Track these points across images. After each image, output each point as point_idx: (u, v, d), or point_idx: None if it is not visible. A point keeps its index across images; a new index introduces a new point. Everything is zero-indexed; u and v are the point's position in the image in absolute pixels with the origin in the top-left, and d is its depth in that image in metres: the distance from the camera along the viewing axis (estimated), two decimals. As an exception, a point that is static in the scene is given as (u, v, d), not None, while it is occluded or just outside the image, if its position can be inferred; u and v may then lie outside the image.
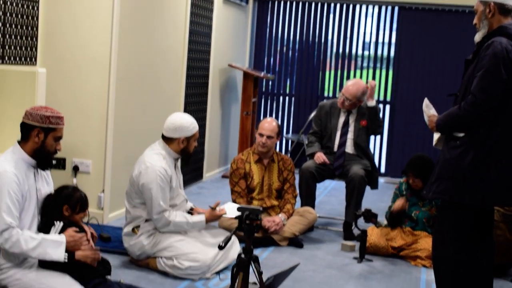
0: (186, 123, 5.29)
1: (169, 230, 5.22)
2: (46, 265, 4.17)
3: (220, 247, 3.64)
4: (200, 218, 5.37)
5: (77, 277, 4.19)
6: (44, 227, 4.21)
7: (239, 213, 5.32)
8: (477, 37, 4.22)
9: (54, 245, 4.11)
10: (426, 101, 4.53)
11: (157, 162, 5.18)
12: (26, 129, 4.20)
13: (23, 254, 4.09)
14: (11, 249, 4.04)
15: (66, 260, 4.11)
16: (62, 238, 4.15)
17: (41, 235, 4.14)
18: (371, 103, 6.76)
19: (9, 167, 4.08)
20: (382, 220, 6.21)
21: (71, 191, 4.35)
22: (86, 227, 4.45)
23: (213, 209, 5.46)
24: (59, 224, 4.22)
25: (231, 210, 5.55)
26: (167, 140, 5.30)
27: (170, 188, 5.25)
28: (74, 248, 4.17)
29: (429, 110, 4.48)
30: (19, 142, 4.23)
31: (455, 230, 4.23)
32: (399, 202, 6.02)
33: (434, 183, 4.28)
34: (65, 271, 4.18)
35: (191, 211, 5.55)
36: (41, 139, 4.18)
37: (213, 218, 5.47)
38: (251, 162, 6.31)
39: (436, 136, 4.44)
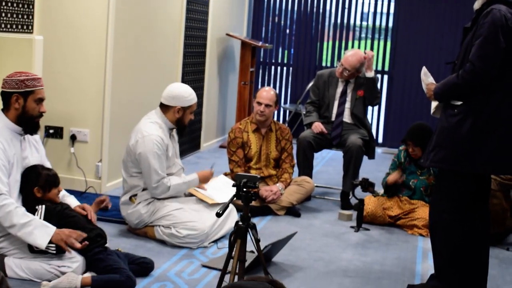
0: (184, 92, 5.28)
1: (167, 195, 5.23)
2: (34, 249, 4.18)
3: (218, 214, 3.64)
4: (193, 176, 5.44)
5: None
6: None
7: (227, 195, 5.36)
8: (476, 5, 4.18)
9: (42, 231, 4.07)
10: (424, 70, 4.51)
11: (153, 131, 5.18)
12: (6, 97, 4.20)
13: (8, 227, 4.05)
14: (1, 217, 4.01)
15: (45, 248, 4.09)
16: (52, 228, 4.11)
17: (35, 216, 4.14)
18: (370, 74, 6.75)
19: None
20: (379, 189, 6.23)
21: (37, 171, 4.31)
22: (86, 208, 4.45)
23: None
24: (41, 208, 4.22)
25: (221, 185, 5.60)
26: (164, 108, 5.30)
27: (167, 157, 5.25)
28: (58, 242, 4.12)
29: (427, 79, 4.46)
30: (2, 111, 4.23)
31: (452, 199, 4.23)
32: (394, 176, 6.02)
33: (432, 151, 4.27)
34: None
35: None
36: (21, 104, 4.18)
37: (205, 176, 5.54)
38: (249, 131, 6.31)
39: (434, 104, 4.43)
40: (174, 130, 5.43)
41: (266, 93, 6.26)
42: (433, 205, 4.43)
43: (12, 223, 4.03)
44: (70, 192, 4.79)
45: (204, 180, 5.54)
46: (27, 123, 4.23)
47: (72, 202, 4.52)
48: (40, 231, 4.06)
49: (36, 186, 4.26)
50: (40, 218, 4.16)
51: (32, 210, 4.18)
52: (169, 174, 5.30)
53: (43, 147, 4.53)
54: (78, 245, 4.12)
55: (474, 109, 4.08)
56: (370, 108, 7.28)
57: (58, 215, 4.25)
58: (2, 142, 4.11)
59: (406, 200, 6.03)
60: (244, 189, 3.70)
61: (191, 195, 5.49)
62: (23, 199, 4.26)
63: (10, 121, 4.19)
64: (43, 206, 4.22)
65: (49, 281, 4.04)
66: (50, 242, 4.07)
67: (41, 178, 4.29)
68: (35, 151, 4.40)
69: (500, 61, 4.01)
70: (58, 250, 4.11)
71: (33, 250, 4.15)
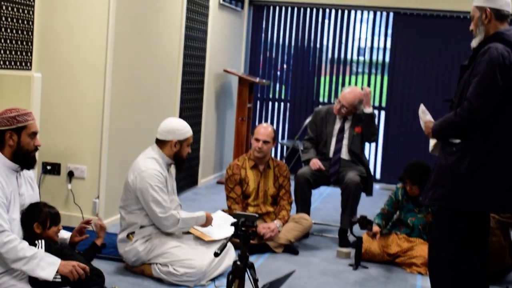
0: (179, 126, 5.29)
1: (177, 229, 5.20)
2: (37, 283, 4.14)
3: (216, 254, 3.62)
4: (201, 213, 5.41)
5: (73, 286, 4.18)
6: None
7: (224, 231, 5.33)
8: (474, 43, 4.22)
9: (48, 261, 4.07)
10: (422, 107, 4.52)
11: (151, 165, 5.18)
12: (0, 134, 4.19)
13: (13, 262, 4.04)
14: (5, 254, 4.00)
15: (52, 280, 4.07)
16: (58, 259, 4.11)
17: (39, 249, 4.13)
18: (368, 110, 6.76)
19: None
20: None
21: (39, 208, 4.31)
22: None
23: None
24: (41, 243, 4.20)
25: (220, 220, 5.58)
26: (160, 143, 5.30)
27: (167, 191, 5.25)
28: (64, 272, 4.10)
29: (425, 116, 4.47)
30: None
31: (451, 236, 4.23)
32: (375, 228, 5.97)
33: (431, 189, 4.27)
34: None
35: None
36: (15, 141, 4.18)
37: (211, 219, 5.49)
38: (246, 168, 6.30)
39: (432, 142, 4.44)
40: (172, 166, 5.42)
41: (264, 130, 6.25)
42: (432, 243, 4.41)
43: (18, 257, 4.01)
44: (67, 228, 4.76)
45: (210, 220, 5.50)
46: (24, 158, 4.23)
47: (67, 236, 4.51)
48: (46, 262, 4.06)
49: (36, 222, 4.24)
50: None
51: (31, 245, 4.15)
52: (167, 210, 5.29)
53: (37, 186, 4.52)
54: (83, 275, 4.12)
55: (472, 147, 4.09)
56: (367, 144, 7.27)
57: (57, 253, 4.22)
58: (0, 179, 4.10)
59: (404, 238, 6.00)
60: (243, 228, 3.69)
61: (188, 232, 5.46)
62: (24, 234, 4.23)
63: (6, 158, 4.18)
64: (43, 240, 4.20)
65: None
66: (56, 273, 4.06)
67: (42, 215, 4.28)
68: (30, 188, 4.39)
69: (497, 99, 4.02)
70: (63, 279, 4.09)
71: (36, 284, 4.11)
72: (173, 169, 5.47)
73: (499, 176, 4.09)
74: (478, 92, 4.02)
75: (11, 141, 4.17)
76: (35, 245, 4.17)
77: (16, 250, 4.01)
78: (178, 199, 5.57)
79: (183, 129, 5.30)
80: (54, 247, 4.25)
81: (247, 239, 3.69)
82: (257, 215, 3.79)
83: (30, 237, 4.23)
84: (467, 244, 4.22)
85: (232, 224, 3.72)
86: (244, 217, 3.70)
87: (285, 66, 10.72)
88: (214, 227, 5.55)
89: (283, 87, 10.84)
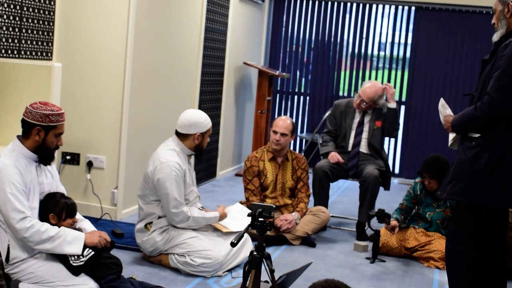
0: (200, 118, 5.30)
1: (185, 225, 5.22)
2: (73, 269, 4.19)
3: (233, 244, 3.63)
4: (214, 214, 5.40)
5: (90, 274, 4.21)
6: None
7: (242, 223, 5.33)
8: (495, 37, 4.18)
9: (73, 235, 4.15)
10: (442, 101, 4.50)
11: (171, 157, 5.19)
12: (27, 126, 4.21)
13: (39, 244, 4.09)
14: (30, 237, 4.05)
15: (82, 257, 4.12)
16: (81, 234, 4.19)
17: (62, 227, 4.18)
18: (392, 105, 6.74)
19: (9, 161, 4.11)
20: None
21: (56, 199, 4.32)
22: (96, 231, 4.45)
23: None
24: None
25: (238, 213, 5.59)
26: (181, 136, 5.30)
27: (184, 183, 5.26)
28: (92, 243, 4.19)
29: (444, 110, 4.45)
30: (19, 137, 4.25)
31: (469, 231, 4.20)
32: (393, 222, 5.95)
33: (449, 183, 4.25)
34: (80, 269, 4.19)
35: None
36: (41, 137, 4.19)
37: (225, 216, 5.50)
38: (265, 160, 6.30)
39: (451, 136, 4.41)
40: (192, 157, 5.43)
41: (283, 122, 6.25)
42: (449, 237, 4.39)
43: (42, 239, 4.07)
44: (86, 218, 4.78)
45: (224, 217, 5.51)
46: (44, 154, 4.25)
47: (87, 226, 4.52)
48: (72, 237, 4.14)
49: (52, 213, 4.26)
50: None
51: None
52: (186, 201, 5.30)
53: (57, 172, 4.54)
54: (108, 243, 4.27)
55: (491, 141, 4.06)
56: (387, 138, 7.24)
57: None
58: (19, 168, 4.13)
59: (422, 232, 5.99)
60: (259, 219, 3.69)
61: None
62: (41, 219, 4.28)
63: (26, 148, 4.21)
64: (62, 227, 4.22)
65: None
66: (84, 246, 4.15)
67: (58, 206, 4.29)
68: (50, 176, 4.41)
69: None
70: (95, 251, 4.17)
71: (74, 269, 4.15)
72: (192, 159, 5.48)
73: (518, 171, 4.06)
74: (499, 86, 3.99)
75: (37, 136, 4.19)
76: None
77: (40, 232, 4.06)
78: (197, 190, 5.59)
79: (205, 121, 5.31)
80: None
81: (263, 230, 3.69)
82: (274, 206, 3.77)
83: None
84: (485, 239, 4.20)
85: (249, 215, 3.72)
86: (261, 207, 3.70)
87: (305, 60, 10.70)
88: (231, 219, 5.56)
89: (303, 80, 10.83)
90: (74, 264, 4.13)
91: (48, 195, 4.34)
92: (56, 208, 4.27)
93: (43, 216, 4.26)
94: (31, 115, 4.17)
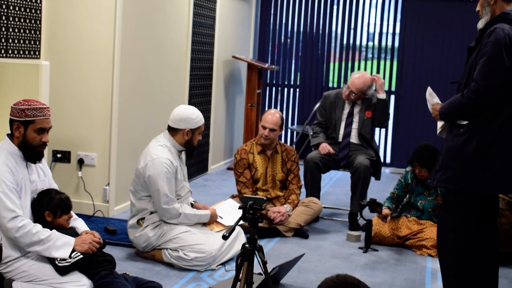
0: (192, 114, 5.30)
1: (176, 222, 5.23)
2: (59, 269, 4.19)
3: (224, 237, 3.64)
4: (206, 212, 5.41)
5: (83, 271, 4.21)
6: None
7: (234, 218, 5.34)
8: (480, 24, 4.19)
9: (63, 241, 4.14)
10: (429, 90, 4.51)
11: (162, 153, 5.20)
12: (10, 124, 4.23)
13: (28, 245, 4.10)
14: (20, 238, 4.06)
15: (69, 259, 4.12)
16: (72, 238, 4.18)
17: (53, 230, 4.17)
18: (382, 95, 6.76)
19: None
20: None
21: (50, 196, 4.31)
22: (87, 234, 4.44)
23: None
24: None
25: (230, 208, 5.60)
26: (172, 131, 5.31)
27: (176, 179, 5.26)
28: (81, 249, 4.16)
29: (432, 99, 4.46)
30: (8, 135, 4.26)
31: (459, 218, 4.22)
32: (385, 211, 5.98)
33: (438, 171, 4.27)
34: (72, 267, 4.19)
35: (191, 205, 5.57)
36: (21, 133, 4.20)
37: (215, 217, 5.52)
38: (254, 153, 6.31)
39: (439, 124, 4.42)
40: (183, 152, 5.44)
41: (271, 117, 6.25)
42: (440, 225, 4.41)
43: (32, 241, 4.07)
44: (78, 216, 4.78)
45: (214, 218, 5.52)
46: (28, 151, 4.24)
47: (81, 226, 4.52)
48: (62, 242, 4.12)
49: (47, 210, 4.27)
50: None
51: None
52: (177, 197, 5.30)
53: (49, 170, 4.54)
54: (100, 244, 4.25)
55: (479, 128, 4.07)
56: (376, 128, 7.26)
57: None
58: (9, 166, 4.14)
59: (414, 221, 6.01)
60: (251, 211, 3.70)
61: None
62: (34, 222, 4.27)
63: (15, 146, 4.22)
64: (54, 230, 4.22)
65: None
66: (73, 251, 4.13)
67: (53, 203, 4.28)
68: (42, 174, 4.41)
69: (504, 80, 4.01)
70: (83, 255, 4.15)
71: (60, 270, 4.15)
72: (183, 155, 5.50)
73: (506, 157, 4.08)
74: (484, 73, 4.00)
75: (17, 132, 4.20)
76: None
77: (30, 234, 4.06)
78: (189, 185, 5.60)
79: (196, 117, 5.32)
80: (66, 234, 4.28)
81: (255, 222, 3.70)
82: (265, 198, 3.79)
83: (40, 222, 4.26)
84: (476, 226, 4.21)
85: (240, 207, 3.73)
86: (252, 200, 3.72)
87: (294, 52, 10.71)
88: (224, 214, 5.57)
89: (292, 72, 10.83)
90: (59, 265, 4.13)
91: (42, 192, 4.33)
92: (51, 205, 4.27)
93: (38, 214, 4.26)
94: (12, 112, 4.21)
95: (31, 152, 4.24)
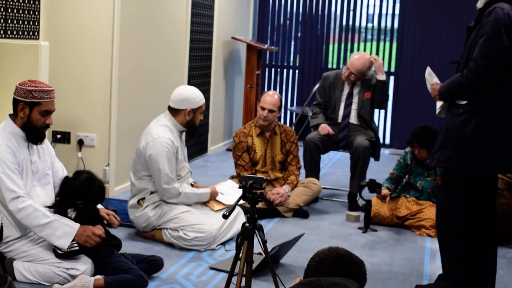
0: (193, 94, 5.31)
1: (177, 201, 5.25)
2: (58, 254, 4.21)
3: (225, 216, 3.65)
4: (205, 190, 5.42)
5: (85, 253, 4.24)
6: (58, 212, 4.23)
7: (233, 198, 5.35)
8: (479, 4, 4.18)
9: (64, 231, 4.14)
10: (428, 70, 4.51)
11: (163, 133, 5.21)
12: (14, 104, 4.23)
13: (29, 228, 4.12)
14: (21, 220, 4.08)
15: (66, 250, 4.15)
16: (75, 227, 4.17)
17: (57, 216, 4.18)
18: (381, 76, 6.75)
19: (1, 140, 4.13)
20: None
21: (87, 184, 4.28)
22: (105, 214, 4.45)
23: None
24: (71, 215, 4.25)
25: (229, 189, 5.62)
26: (173, 111, 5.32)
27: (176, 159, 5.28)
28: (80, 241, 4.17)
29: (431, 79, 4.46)
30: (10, 116, 4.26)
31: (458, 198, 4.23)
32: (384, 192, 6.00)
33: (438, 151, 4.27)
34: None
35: (192, 186, 5.58)
36: (26, 114, 4.20)
37: (215, 195, 5.53)
38: (253, 135, 6.32)
39: (439, 104, 4.43)
40: (183, 133, 5.45)
41: (270, 98, 6.25)
42: (439, 205, 4.42)
43: (32, 224, 4.10)
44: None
45: (214, 196, 5.54)
46: (31, 132, 4.25)
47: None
48: (62, 231, 4.12)
49: (82, 199, 4.26)
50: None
51: (63, 211, 4.22)
52: (177, 177, 5.32)
53: (52, 149, 4.56)
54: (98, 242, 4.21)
55: (478, 108, 4.08)
56: (376, 109, 7.26)
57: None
58: (11, 147, 4.15)
59: (413, 201, 6.03)
60: (251, 191, 3.71)
61: None
62: (60, 199, 4.27)
63: (17, 127, 4.22)
64: (56, 217, 4.19)
65: (61, 284, 4.07)
66: (73, 241, 4.14)
67: (90, 191, 4.27)
68: (43, 154, 4.41)
69: (503, 59, 4.01)
70: (80, 247, 4.16)
71: (59, 255, 4.18)
72: (184, 136, 5.50)
73: (505, 136, 4.08)
74: (484, 52, 4.00)
75: (22, 113, 4.20)
76: (66, 212, 4.22)
77: (30, 217, 4.08)
78: (189, 166, 5.61)
79: (197, 97, 5.32)
80: (82, 217, 4.27)
81: (255, 201, 3.71)
82: (265, 178, 3.79)
83: (66, 205, 4.27)
84: (474, 206, 4.22)
85: (240, 187, 3.74)
86: (252, 179, 3.72)
87: (293, 33, 10.69)
88: (223, 194, 5.59)
89: (292, 54, 10.82)
90: (57, 251, 4.16)
91: (78, 174, 4.33)
92: (86, 195, 4.26)
93: (71, 200, 4.24)
94: (17, 92, 4.20)
95: (34, 133, 4.25)
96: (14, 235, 4.19)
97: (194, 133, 5.52)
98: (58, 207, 4.25)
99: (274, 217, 6.10)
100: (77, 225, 4.17)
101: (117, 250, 4.36)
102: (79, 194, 4.25)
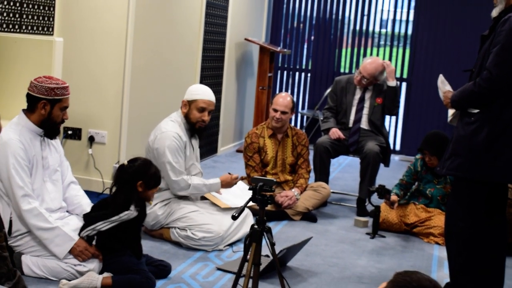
0: (194, 87, 5.41)
1: (187, 193, 5.27)
2: None
3: (234, 217, 3.65)
4: (215, 180, 5.44)
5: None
6: (117, 205, 4.21)
7: (242, 200, 5.35)
8: (494, 13, 4.17)
9: (63, 239, 4.16)
10: (441, 77, 4.50)
11: (172, 128, 5.25)
12: (32, 101, 4.23)
13: (31, 228, 4.15)
14: (26, 218, 4.10)
15: (61, 259, 4.18)
16: (75, 238, 4.19)
17: (59, 222, 4.21)
18: (392, 82, 6.74)
19: (14, 135, 4.15)
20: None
21: (146, 166, 4.32)
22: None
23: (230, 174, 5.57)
24: (132, 213, 4.20)
25: (239, 191, 5.62)
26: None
27: (185, 155, 5.29)
28: (74, 252, 4.18)
29: (444, 86, 4.45)
30: (24, 111, 4.26)
31: (468, 207, 4.22)
32: (393, 198, 5.98)
33: (448, 159, 4.26)
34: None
35: None
36: (47, 111, 4.22)
37: (227, 182, 5.52)
38: (265, 136, 6.32)
39: (450, 112, 4.42)
40: (195, 134, 5.45)
41: (283, 100, 6.26)
42: (448, 213, 4.41)
43: (36, 226, 4.13)
44: (87, 193, 4.83)
45: (226, 185, 5.53)
46: (50, 128, 4.28)
47: (84, 201, 4.57)
48: (61, 240, 4.16)
49: (141, 180, 4.25)
50: (125, 217, 4.17)
51: (126, 204, 4.20)
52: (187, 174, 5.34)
53: (61, 148, 4.57)
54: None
55: (490, 117, 4.06)
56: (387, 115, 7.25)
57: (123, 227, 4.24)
58: (23, 142, 4.16)
59: (422, 208, 6.02)
60: (261, 193, 3.71)
61: (204, 198, 5.51)
62: (120, 185, 4.27)
63: (31, 122, 4.23)
64: (135, 212, 4.19)
65: (68, 280, 4.08)
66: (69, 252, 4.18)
67: (148, 173, 4.29)
68: (54, 150, 4.44)
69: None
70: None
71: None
72: (197, 138, 5.51)
73: (517, 146, 4.07)
74: (497, 62, 3.98)
75: (43, 110, 4.21)
76: (128, 208, 4.20)
77: (36, 218, 4.12)
78: (200, 166, 5.62)
79: (195, 91, 5.36)
80: (131, 222, 4.25)
81: (264, 203, 3.71)
82: (275, 180, 3.80)
83: (128, 191, 4.24)
84: (484, 215, 4.21)
85: (250, 189, 3.74)
86: (262, 181, 3.73)
87: (306, 37, 10.69)
88: (232, 196, 5.59)
89: (304, 57, 10.82)
90: None
91: (135, 160, 4.35)
92: (145, 176, 4.27)
93: (131, 183, 4.24)
94: (37, 89, 4.19)
95: (52, 129, 4.29)
96: (23, 230, 4.20)
97: (198, 133, 5.45)
98: (120, 195, 4.22)
99: (283, 219, 6.10)
100: (77, 237, 4.19)
101: (137, 259, 4.33)
102: (139, 175, 4.26)
